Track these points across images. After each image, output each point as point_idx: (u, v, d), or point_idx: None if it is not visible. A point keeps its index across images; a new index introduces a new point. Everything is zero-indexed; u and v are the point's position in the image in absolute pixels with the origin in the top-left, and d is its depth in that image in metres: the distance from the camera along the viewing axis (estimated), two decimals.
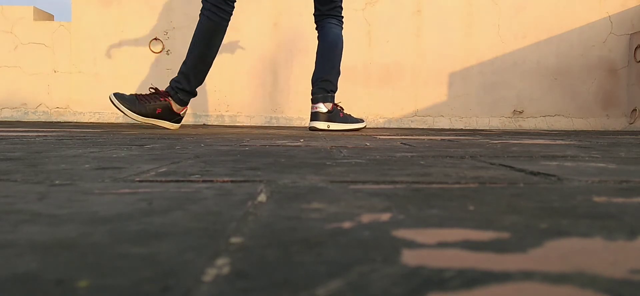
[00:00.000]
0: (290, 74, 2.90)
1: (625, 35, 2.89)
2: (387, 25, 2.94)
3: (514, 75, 2.94)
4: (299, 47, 2.89)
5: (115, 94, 1.91)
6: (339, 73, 2.10)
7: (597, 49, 2.92)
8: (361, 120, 2.16)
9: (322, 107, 2.04)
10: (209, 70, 2.00)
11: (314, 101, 2.06)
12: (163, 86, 3.02)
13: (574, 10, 2.90)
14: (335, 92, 2.09)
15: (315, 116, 2.05)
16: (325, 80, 2.04)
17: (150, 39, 3.00)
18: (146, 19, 3.00)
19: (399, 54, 2.93)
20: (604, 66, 2.92)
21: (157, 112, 1.91)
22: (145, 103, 1.89)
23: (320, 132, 1.89)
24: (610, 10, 2.90)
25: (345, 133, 1.86)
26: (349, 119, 2.10)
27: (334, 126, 2.05)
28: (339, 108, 2.09)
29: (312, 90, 2.08)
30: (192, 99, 3.08)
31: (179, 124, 1.99)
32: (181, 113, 1.96)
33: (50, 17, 3.14)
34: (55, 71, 3.05)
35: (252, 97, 2.98)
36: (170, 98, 1.92)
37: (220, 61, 3.01)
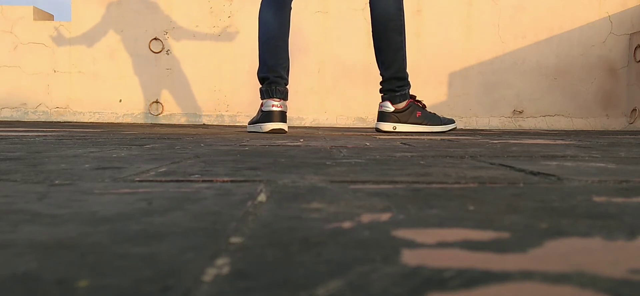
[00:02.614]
0: (290, 73, 2.89)
1: (625, 35, 2.89)
2: None
3: (514, 75, 2.94)
4: (299, 47, 2.89)
5: None
6: (400, 52, 1.81)
7: (597, 48, 2.92)
8: (450, 121, 1.90)
9: (388, 106, 1.83)
10: None
11: (381, 99, 1.86)
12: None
13: (573, 10, 2.90)
14: (406, 85, 1.83)
15: (381, 116, 1.85)
16: (390, 79, 1.82)
17: (150, 39, 3.00)
18: (146, 19, 3.00)
19: None
20: (603, 66, 2.92)
21: (417, 116, 1.85)
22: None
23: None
24: (610, 10, 2.90)
25: (349, 133, 1.86)
26: (429, 119, 1.86)
27: (403, 128, 1.83)
28: (417, 104, 1.86)
29: (380, 81, 1.87)
30: (191, 99, 3.10)
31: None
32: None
33: (50, 17, 3.14)
34: (55, 71, 3.05)
35: (252, 97, 2.97)
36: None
37: (220, 61, 3.01)
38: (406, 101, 1.84)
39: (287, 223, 0.31)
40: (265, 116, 1.74)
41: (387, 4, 1.79)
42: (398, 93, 1.83)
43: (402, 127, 1.83)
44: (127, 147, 0.94)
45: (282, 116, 1.75)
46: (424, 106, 1.90)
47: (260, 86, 1.80)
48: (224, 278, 0.21)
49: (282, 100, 1.76)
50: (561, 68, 2.93)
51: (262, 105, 1.77)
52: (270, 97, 1.76)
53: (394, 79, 1.83)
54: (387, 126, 1.84)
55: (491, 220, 0.33)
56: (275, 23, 1.79)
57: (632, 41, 2.87)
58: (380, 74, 1.86)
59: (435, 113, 1.90)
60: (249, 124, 1.86)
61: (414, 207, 0.37)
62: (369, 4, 1.82)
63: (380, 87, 1.87)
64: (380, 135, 1.68)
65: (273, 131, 1.72)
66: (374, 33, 1.83)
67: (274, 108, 1.74)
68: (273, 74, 1.78)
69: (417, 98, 1.89)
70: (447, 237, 0.28)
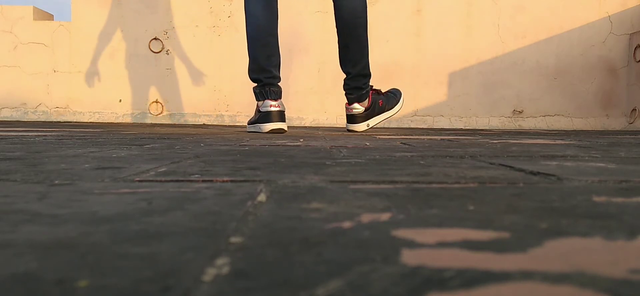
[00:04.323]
0: (289, 73, 2.90)
1: (625, 35, 2.89)
2: (386, 24, 2.94)
3: (514, 75, 2.94)
4: (299, 47, 2.89)
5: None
6: (366, 49, 1.81)
7: (596, 48, 2.92)
8: (398, 91, 1.96)
9: (358, 107, 1.86)
10: None
11: (349, 101, 1.87)
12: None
13: (573, 10, 2.90)
14: (368, 81, 1.86)
15: (351, 119, 1.88)
16: (357, 76, 1.82)
17: (150, 39, 3.00)
18: (146, 19, 3.00)
19: (398, 53, 2.93)
20: (603, 66, 2.92)
21: (380, 105, 1.91)
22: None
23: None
24: (610, 10, 2.90)
25: (349, 133, 1.86)
26: (389, 101, 1.90)
27: (374, 121, 1.89)
28: (376, 93, 1.90)
29: (344, 83, 1.85)
30: (191, 99, 3.10)
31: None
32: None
33: (50, 17, 3.14)
34: (54, 71, 3.05)
35: (252, 97, 2.96)
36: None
37: (220, 61, 3.01)
38: (369, 96, 1.88)
39: (287, 223, 0.31)
40: (264, 116, 1.74)
41: (355, 1, 1.78)
42: (364, 91, 1.86)
43: (373, 122, 1.89)
44: (127, 147, 0.94)
45: (281, 115, 1.74)
46: (379, 91, 1.93)
47: (254, 86, 1.79)
48: (224, 278, 0.21)
49: (279, 100, 1.76)
50: (561, 68, 2.93)
51: (259, 105, 1.77)
52: (266, 98, 1.76)
53: (360, 76, 1.84)
54: (361, 127, 1.89)
55: (491, 220, 0.33)
56: (263, 15, 1.74)
57: (632, 41, 2.87)
58: (346, 72, 1.84)
59: (389, 93, 1.95)
60: (248, 124, 1.86)
61: (414, 207, 0.37)
62: (333, 2, 1.80)
63: (346, 86, 1.86)
64: (380, 135, 1.68)
65: (273, 131, 1.72)
66: (341, 31, 1.80)
67: (273, 109, 1.73)
68: (265, 75, 1.76)
69: (374, 88, 1.93)
70: (447, 237, 0.28)
